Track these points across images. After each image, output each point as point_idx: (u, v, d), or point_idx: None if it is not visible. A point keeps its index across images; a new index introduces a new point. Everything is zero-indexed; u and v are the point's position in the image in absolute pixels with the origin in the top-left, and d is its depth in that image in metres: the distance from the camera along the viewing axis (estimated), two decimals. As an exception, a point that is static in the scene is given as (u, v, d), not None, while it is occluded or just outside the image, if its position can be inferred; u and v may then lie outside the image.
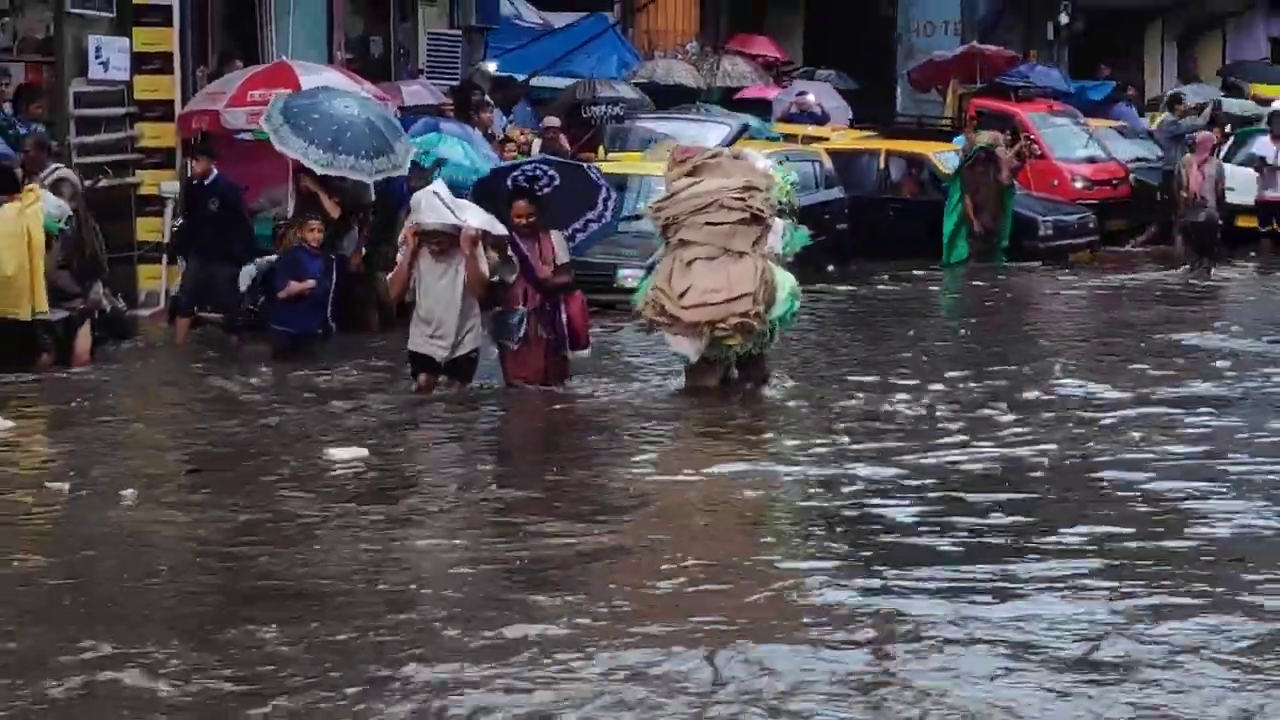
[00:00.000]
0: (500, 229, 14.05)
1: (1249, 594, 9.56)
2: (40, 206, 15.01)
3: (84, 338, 15.44)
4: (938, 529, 10.99)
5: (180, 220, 17.81)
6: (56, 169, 16.15)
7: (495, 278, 14.07)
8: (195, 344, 17.51)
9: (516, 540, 10.66)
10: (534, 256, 13.73)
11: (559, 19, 29.51)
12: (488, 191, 14.85)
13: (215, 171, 17.67)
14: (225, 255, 17.56)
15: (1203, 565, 10.32)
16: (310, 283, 16.34)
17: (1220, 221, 26.10)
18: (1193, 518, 11.39)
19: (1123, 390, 15.63)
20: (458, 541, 10.96)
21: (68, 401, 14.54)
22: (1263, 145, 26.65)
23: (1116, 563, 10.18)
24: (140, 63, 19.23)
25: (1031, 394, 15.69)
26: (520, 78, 26.60)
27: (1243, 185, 27.43)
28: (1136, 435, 13.88)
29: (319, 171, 17.29)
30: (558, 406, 14.19)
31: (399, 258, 14.26)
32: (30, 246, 14.91)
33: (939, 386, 15.90)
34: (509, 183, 14.61)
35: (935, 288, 23.29)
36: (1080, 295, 23.06)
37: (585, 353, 14.60)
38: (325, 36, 22.48)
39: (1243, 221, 27.75)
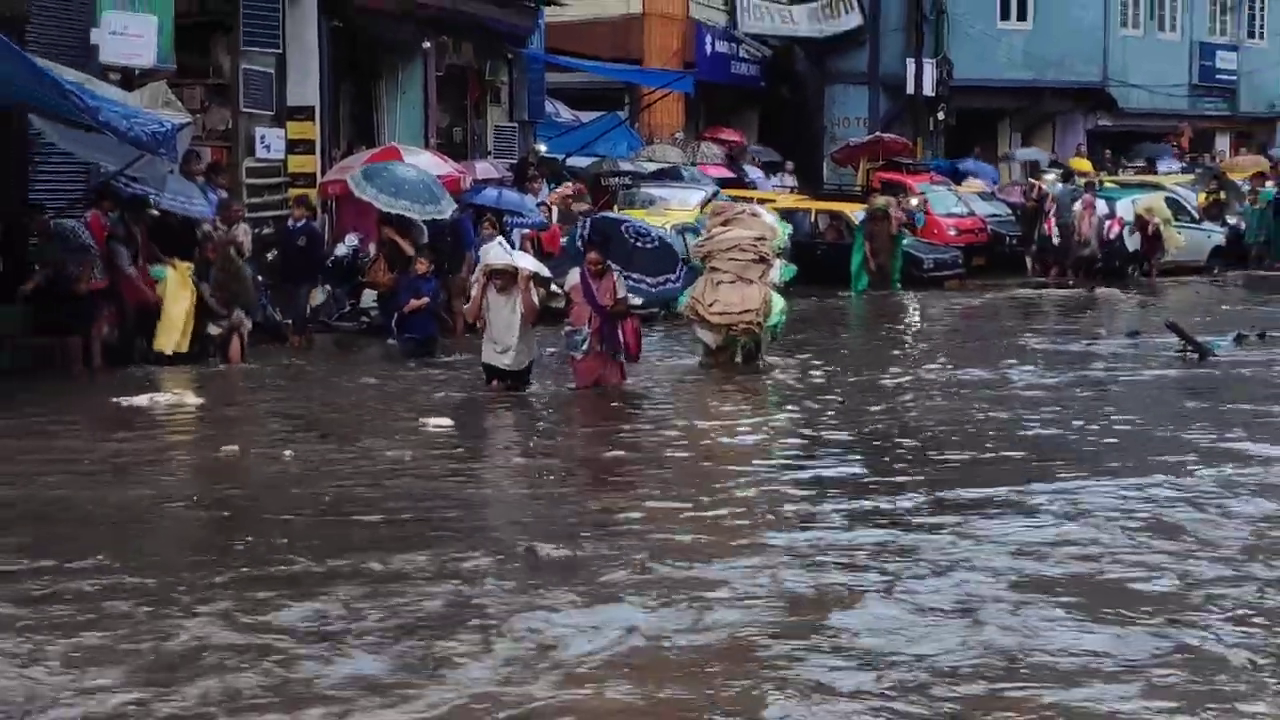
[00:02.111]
0: (546, 272, 14.22)
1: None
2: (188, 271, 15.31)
3: (234, 345, 15.35)
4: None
5: (274, 252, 17.76)
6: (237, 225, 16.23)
7: (551, 303, 14.23)
8: (323, 346, 17.27)
9: (567, 485, 10.60)
10: (600, 291, 13.66)
11: (586, 115, 29.40)
12: (575, 247, 15.08)
13: (305, 220, 17.60)
14: (306, 277, 17.52)
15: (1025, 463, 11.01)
16: (425, 299, 16.24)
17: (1099, 255, 26.34)
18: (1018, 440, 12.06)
19: (978, 369, 16.09)
20: (515, 484, 10.98)
21: (231, 389, 14.41)
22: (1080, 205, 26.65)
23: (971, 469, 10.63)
24: (292, 147, 19.19)
25: (918, 374, 16.12)
26: (559, 157, 26.56)
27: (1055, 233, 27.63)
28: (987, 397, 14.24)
29: (382, 209, 17.44)
30: (599, 399, 13.89)
31: (472, 292, 14.04)
32: (185, 300, 15.09)
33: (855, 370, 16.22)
34: (582, 241, 14.68)
35: (850, 306, 22.98)
36: (950, 309, 23.27)
37: (636, 362, 14.37)
38: (422, 128, 22.51)
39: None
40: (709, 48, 32.74)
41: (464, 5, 22.92)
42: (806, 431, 12.71)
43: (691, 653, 6.74)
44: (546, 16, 27.16)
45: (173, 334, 14.97)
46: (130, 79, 15.86)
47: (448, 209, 18.02)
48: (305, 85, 19.70)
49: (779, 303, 15.96)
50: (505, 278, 13.43)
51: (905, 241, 25.79)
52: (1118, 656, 6.65)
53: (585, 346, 13.71)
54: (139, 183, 15.26)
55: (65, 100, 13.54)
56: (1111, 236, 27.04)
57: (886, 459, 11.33)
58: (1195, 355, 16.64)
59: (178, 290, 15.02)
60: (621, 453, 11.82)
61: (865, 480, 10.55)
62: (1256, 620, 7.17)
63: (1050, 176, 30.32)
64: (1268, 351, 17.36)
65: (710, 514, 9.53)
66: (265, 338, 16.61)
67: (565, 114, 29.50)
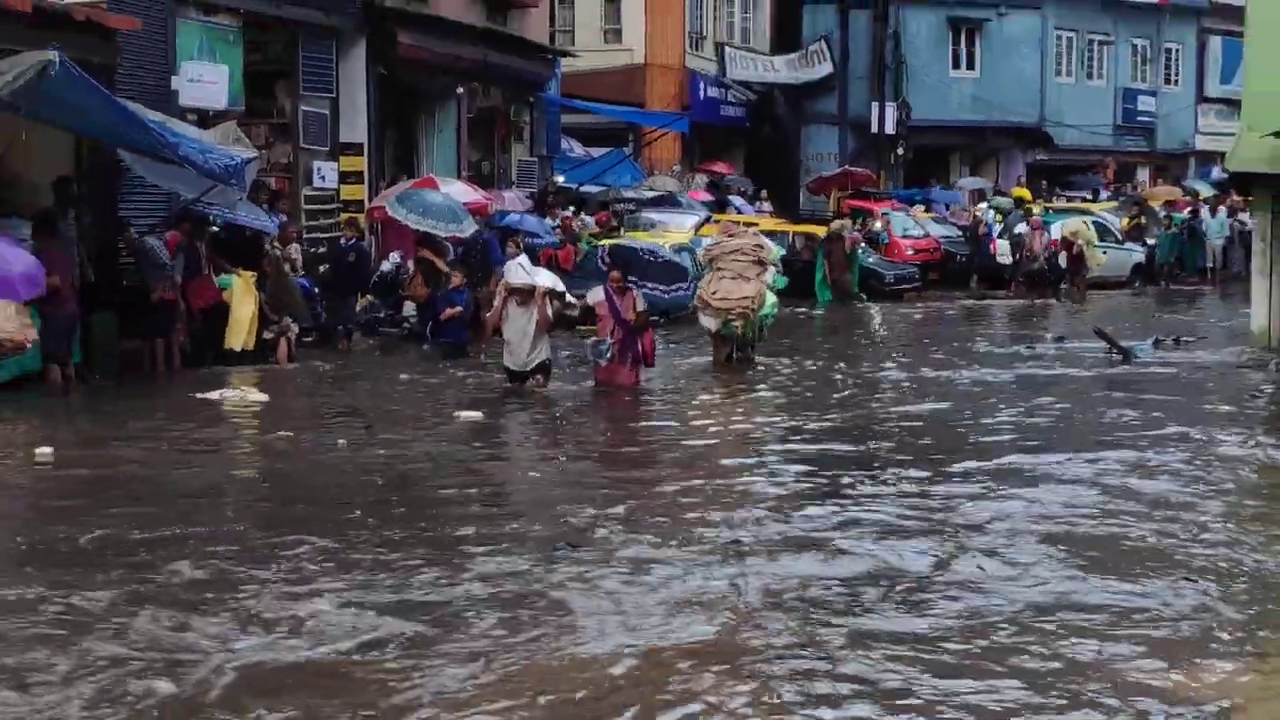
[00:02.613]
0: (561, 286, 14.11)
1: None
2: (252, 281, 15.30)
3: (282, 347, 15.39)
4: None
5: (326, 267, 17.81)
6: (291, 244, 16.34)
7: (566, 312, 14.23)
8: (367, 350, 17.19)
9: (587, 463, 10.74)
10: (623, 306, 13.54)
11: (596, 151, 29.41)
12: (597, 265, 15.51)
13: (354, 239, 17.66)
14: (353, 289, 17.51)
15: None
16: (459, 308, 16.24)
17: (1048, 270, 26.29)
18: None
19: (928, 369, 16.06)
20: (536, 469, 10.89)
21: (288, 386, 14.31)
22: (1021, 227, 26.60)
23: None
24: (344, 178, 19.24)
25: (880, 372, 15.99)
26: (573, 187, 26.56)
27: (1004, 251, 27.62)
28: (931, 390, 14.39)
29: (412, 226, 17.55)
30: (611, 395, 13.78)
31: (495, 303, 13.93)
32: (248, 305, 15.12)
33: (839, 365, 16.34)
34: (604, 263, 15.07)
35: (822, 316, 22.86)
36: (907, 317, 23.14)
37: (651, 367, 14.15)
38: (456, 162, 22.52)
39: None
40: (702, 93, 32.74)
41: (493, 57, 22.93)
42: (787, 416, 12.78)
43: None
44: (562, 66, 27.22)
45: (240, 333, 14.96)
46: (205, 119, 15.95)
47: (469, 228, 17.98)
48: (355, 125, 19.74)
49: (771, 298, 16.23)
50: (523, 294, 13.29)
51: (872, 259, 25.88)
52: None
53: (609, 355, 13.51)
54: (213, 207, 15.35)
55: (149, 137, 13.55)
56: (1047, 255, 27.37)
57: (871, 440, 11.41)
58: (1120, 357, 16.71)
59: (243, 296, 15.01)
60: (640, 438, 11.79)
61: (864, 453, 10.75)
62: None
63: (983, 205, 30.54)
64: (1182, 355, 17.36)
65: (709, 480, 9.65)
66: (316, 340, 16.58)
67: (578, 150, 29.53)
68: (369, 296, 18.12)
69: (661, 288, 16.01)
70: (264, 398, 12.99)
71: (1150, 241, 29.92)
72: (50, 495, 9.21)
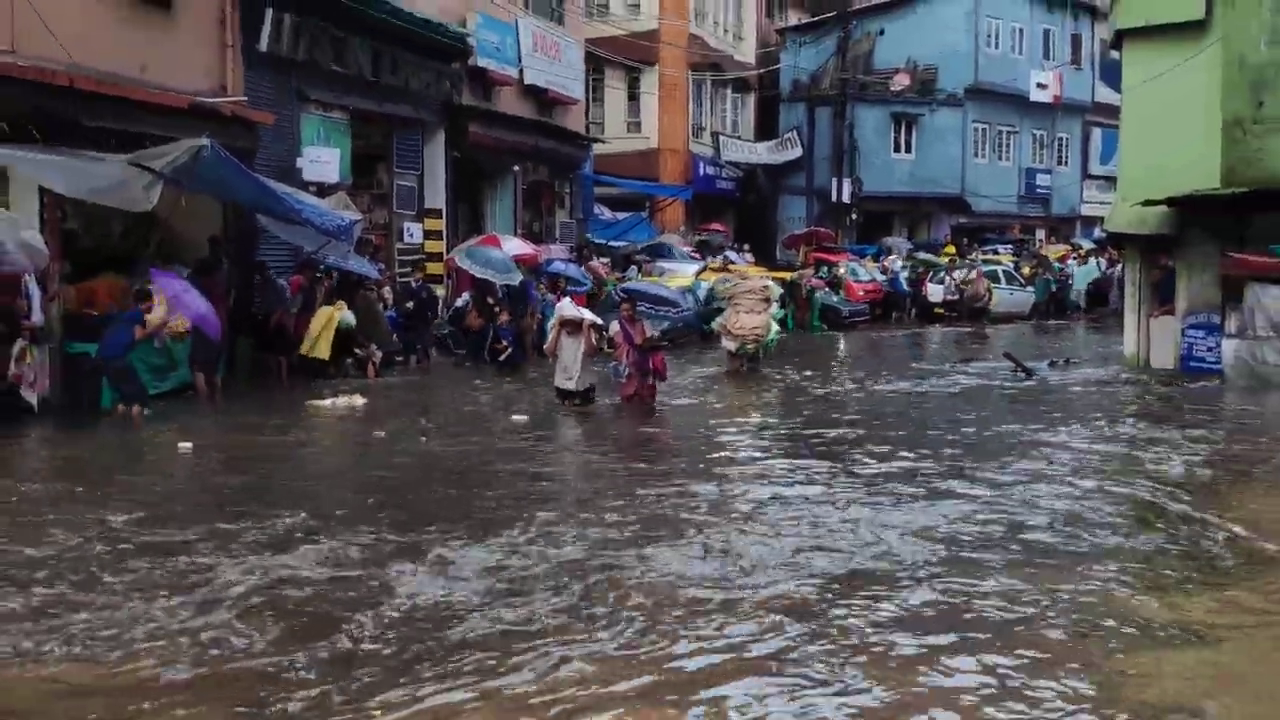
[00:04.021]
0: (601, 322, 13.72)
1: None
2: (340, 313, 14.87)
3: (371, 366, 15.17)
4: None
5: (411, 303, 17.61)
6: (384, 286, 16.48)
7: (602, 345, 14.06)
8: (438, 368, 16.89)
9: (620, 464, 10.29)
10: (635, 333, 13.18)
11: (620, 214, 29.40)
12: (611, 301, 15.45)
13: (423, 280, 17.62)
14: (425, 320, 17.28)
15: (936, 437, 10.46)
16: (509, 346, 16.40)
17: (987, 305, 26.64)
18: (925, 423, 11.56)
19: (882, 383, 15.69)
20: (575, 452, 10.93)
21: (381, 396, 13.99)
22: (958, 273, 26.76)
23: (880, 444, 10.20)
24: (427, 235, 19.22)
25: (850, 384, 15.70)
26: (603, 242, 26.53)
27: (935, 293, 27.60)
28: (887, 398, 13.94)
29: (475, 274, 17.68)
30: (639, 408, 13.61)
31: (550, 335, 13.38)
32: (328, 326, 14.71)
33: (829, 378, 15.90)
34: (621, 295, 15.05)
35: (793, 342, 22.57)
36: (860, 342, 22.94)
37: (664, 382, 13.70)
38: (512, 223, 22.54)
39: (938, 310, 27.55)
40: (701, 170, 32.61)
41: (542, 143, 22.92)
42: (781, 410, 12.84)
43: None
44: (595, 150, 27.20)
45: (310, 340, 14.53)
46: (322, 190, 15.97)
47: (516, 278, 18.05)
48: (436, 194, 19.74)
49: (775, 327, 17.00)
50: (573, 325, 12.99)
51: (834, 299, 25.88)
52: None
53: (626, 373, 13.15)
54: (329, 258, 15.36)
55: (280, 204, 13.63)
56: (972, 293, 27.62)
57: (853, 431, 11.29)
58: (1024, 374, 16.62)
59: (322, 317, 14.71)
60: (660, 437, 11.67)
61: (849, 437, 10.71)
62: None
63: (892, 257, 30.59)
64: (1074, 372, 17.27)
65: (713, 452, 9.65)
66: (400, 361, 16.44)
67: (607, 214, 29.44)
68: (437, 323, 17.94)
69: (662, 310, 16.93)
70: (362, 402, 12.95)
71: (1054, 285, 29.86)
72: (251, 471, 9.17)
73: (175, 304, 12.20)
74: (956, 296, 27.25)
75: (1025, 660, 5.10)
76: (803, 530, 7.28)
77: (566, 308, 13.51)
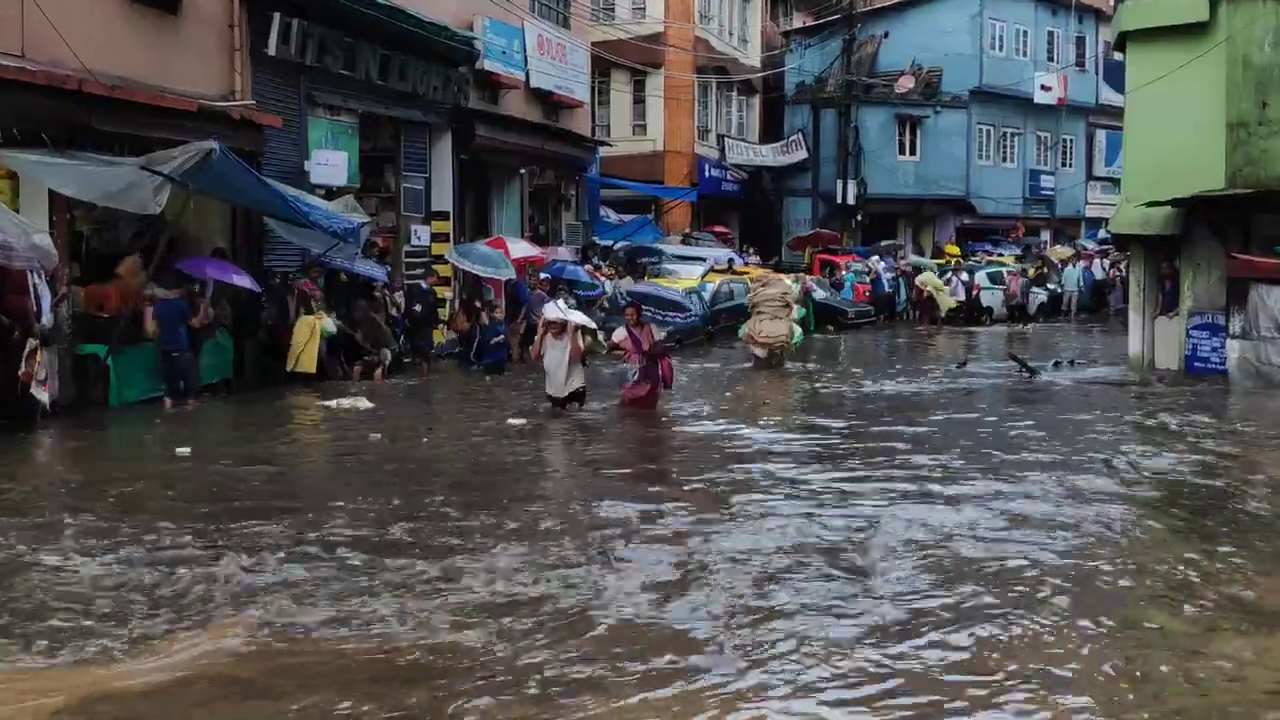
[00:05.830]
0: (591, 324, 13.25)
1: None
2: (322, 321, 14.53)
3: (378, 372, 15.02)
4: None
5: (419, 307, 17.51)
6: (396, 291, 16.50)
7: (594, 348, 13.73)
8: (438, 372, 16.59)
9: (608, 454, 10.54)
10: (642, 338, 12.81)
11: (626, 217, 29.39)
12: (617, 304, 15.51)
13: (425, 283, 17.50)
14: (429, 324, 17.06)
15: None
16: (503, 337, 16.37)
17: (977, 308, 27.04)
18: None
19: (879, 381, 15.68)
20: (565, 455, 10.82)
21: (385, 398, 13.80)
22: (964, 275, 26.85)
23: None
24: (434, 238, 19.21)
25: (853, 382, 15.56)
26: (609, 244, 26.51)
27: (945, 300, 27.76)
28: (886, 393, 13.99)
29: (463, 269, 17.78)
30: (631, 415, 13.33)
31: (536, 337, 12.96)
32: (312, 339, 14.36)
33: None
34: (626, 299, 14.97)
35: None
36: (864, 341, 22.89)
37: (669, 389, 13.30)
38: (519, 225, 22.54)
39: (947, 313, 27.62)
40: (707, 173, 32.56)
41: (548, 146, 22.88)
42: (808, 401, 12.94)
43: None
44: (601, 152, 27.17)
45: (294, 357, 14.24)
46: (330, 193, 15.97)
47: (505, 273, 17.86)
48: (443, 197, 19.68)
49: (798, 330, 17.83)
50: (558, 327, 12.44)
51: (837, 300, 25.88)
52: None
53: (634, 378, 12.83)
54: (336, 260, 15.35)
55: (287, 207, 13.64)
56: (974, 295, 27.44)
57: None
58: (1028, 375, 16.56)
59: (303, 329, 14.41)
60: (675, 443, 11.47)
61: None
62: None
63: (874, 258, 30.14)
64: (1079, 371, 17.25)
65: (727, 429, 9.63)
66: (404, 364, 16.30)
67: (613, 216, 29.41)
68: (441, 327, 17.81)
69: (669, 315, 16.97)
70: (369, 405, 12.90)
71: (1051, 286, 29.73)
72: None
73: (220, 276, 13.00)
74: (963, 299, 27.11)
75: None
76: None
77: (550, 309, 13.02)
